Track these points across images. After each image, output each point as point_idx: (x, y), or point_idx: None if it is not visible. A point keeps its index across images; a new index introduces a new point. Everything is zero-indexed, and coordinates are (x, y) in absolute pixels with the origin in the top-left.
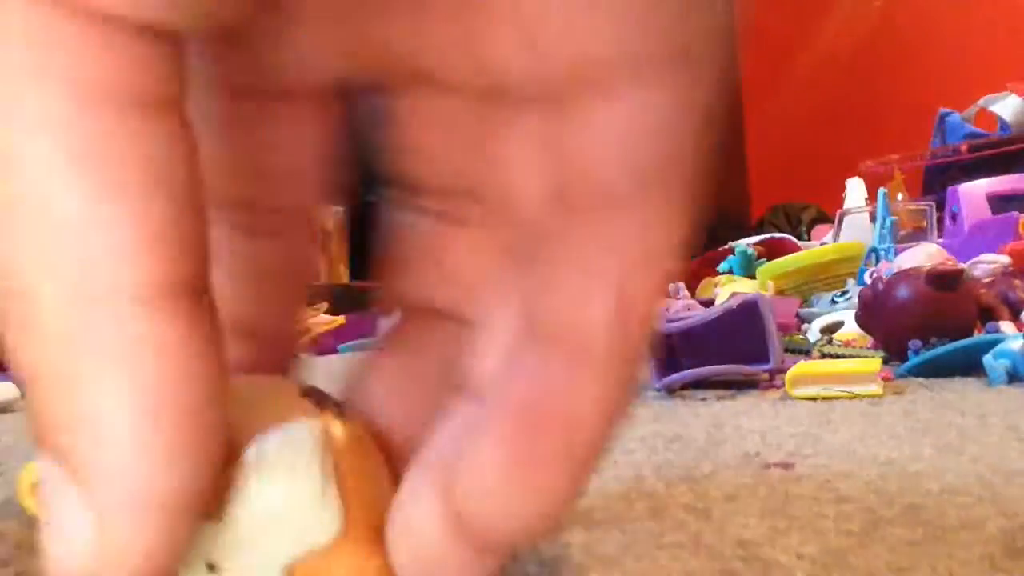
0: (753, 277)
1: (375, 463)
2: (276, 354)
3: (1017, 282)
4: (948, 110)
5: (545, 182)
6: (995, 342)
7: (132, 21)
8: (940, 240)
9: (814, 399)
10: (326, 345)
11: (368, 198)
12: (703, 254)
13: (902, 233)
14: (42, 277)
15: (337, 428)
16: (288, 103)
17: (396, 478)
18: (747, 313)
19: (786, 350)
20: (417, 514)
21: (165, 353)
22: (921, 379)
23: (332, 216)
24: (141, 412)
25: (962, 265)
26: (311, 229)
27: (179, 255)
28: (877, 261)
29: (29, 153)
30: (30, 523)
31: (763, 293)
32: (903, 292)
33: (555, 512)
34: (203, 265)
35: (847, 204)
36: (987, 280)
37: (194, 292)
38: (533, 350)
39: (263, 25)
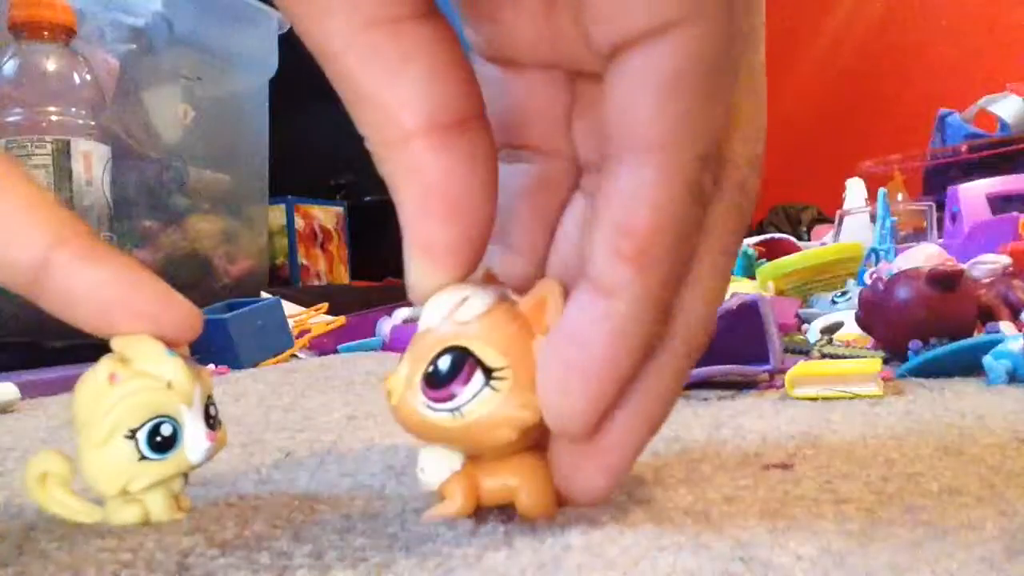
0: (753, 277)
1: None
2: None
3: (1017, 282)
4: (948, 110)
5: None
6: (995, 342)
7: None
8: (940, 240)
9: (814, 399)
10: (326, 345)
11: (368, 198)
12: None
13: (902, 233)
14: (364, 130)
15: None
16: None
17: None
18: (747, 313)
19: (786, 350)
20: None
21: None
22: (921, 379)
23: (332, 216)
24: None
25: (962, 265)
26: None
27: (437, 108)
28: (877, 261)
29: (344, 59)
30: (30, 523)
31: (763, 293)
32: (903, 292)
33: None
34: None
35: (847, 204)
36: (987, 280)
37: (464, 125)
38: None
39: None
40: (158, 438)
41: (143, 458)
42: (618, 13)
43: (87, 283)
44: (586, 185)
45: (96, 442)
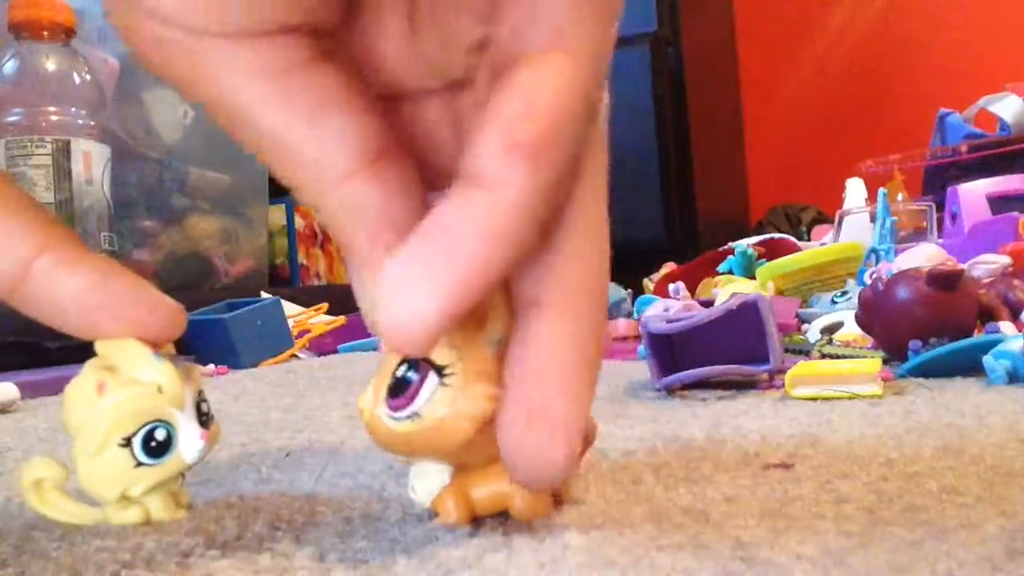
0: (753, 277)
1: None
2: None
3: (1017, 282)
4: (948, 110)
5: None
6: (995, 342)
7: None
8: (940, 240)
9: (814, 399)
10: (326, 345)
11: None
12: (703, 254)
13: (902, 233)
14: (288, 174)
15: None
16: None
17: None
18: (747, 313)
19: (786, 350)
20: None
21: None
22: (921, 379)
23: None
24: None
25: (962, 265)
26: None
27: (361, 146)
28: (877, 261)
29: (260, 112)
30: (30, 523)
31: (763, 293)
32: (903, 292)
33: None
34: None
35: (847, 204)
36: (987, 280)
37: (388, 154)
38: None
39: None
40: (152, 443)
41: (139, 464)
42: None
43: (69, 289)
44: None
45: (91, 452)
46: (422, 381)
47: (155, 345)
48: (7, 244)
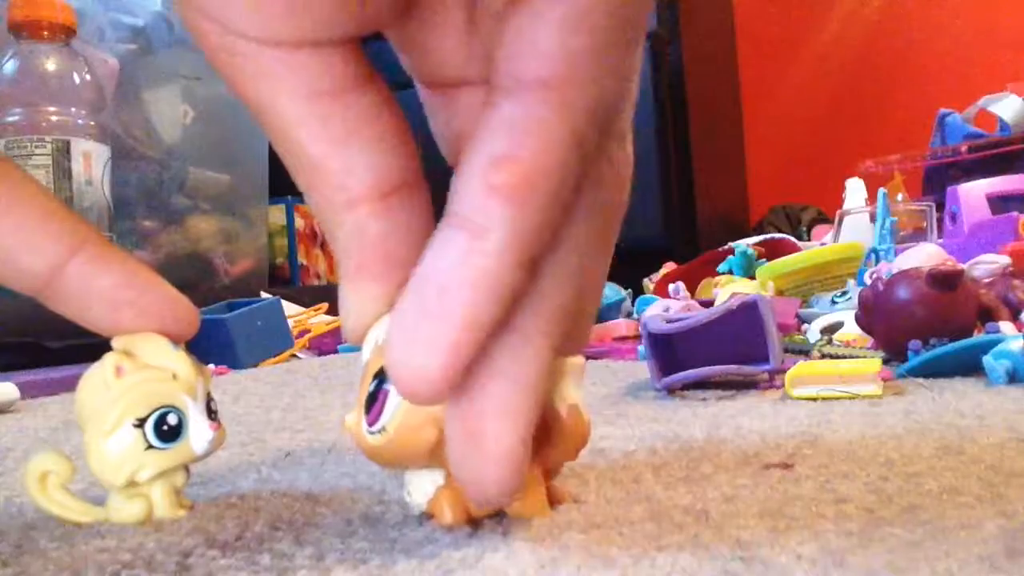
0: (753, 277)
1: None
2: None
3: (1017, 282)
4: (948, 110)
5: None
6: (995, 342)
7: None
8: (940, 240)
9: (814, 399)
10: (326, 345)
11: None
12: (703, 254)
13: (902, 233)
14: (307, 188)
15: None
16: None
17: None
18: (747, 313)
19: (786, 350)
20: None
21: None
22: (921, 379)
23: None
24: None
25: (962, 265)
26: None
27: (381, 177)
28: (877, 261)
29: (289, 127)
30: (30, 523)
31: (763, 293)
32: (903, 292)
33: None
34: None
35: (847, 204)
36: (987, 280)
37: (403, 191)
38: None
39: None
40: (164, 427)
41: (150, 447)
42: None
43: (100, 285)
44: None
45: (104, 431)
46: (385, 396)
47: (173, 341)
48: (40, 246)
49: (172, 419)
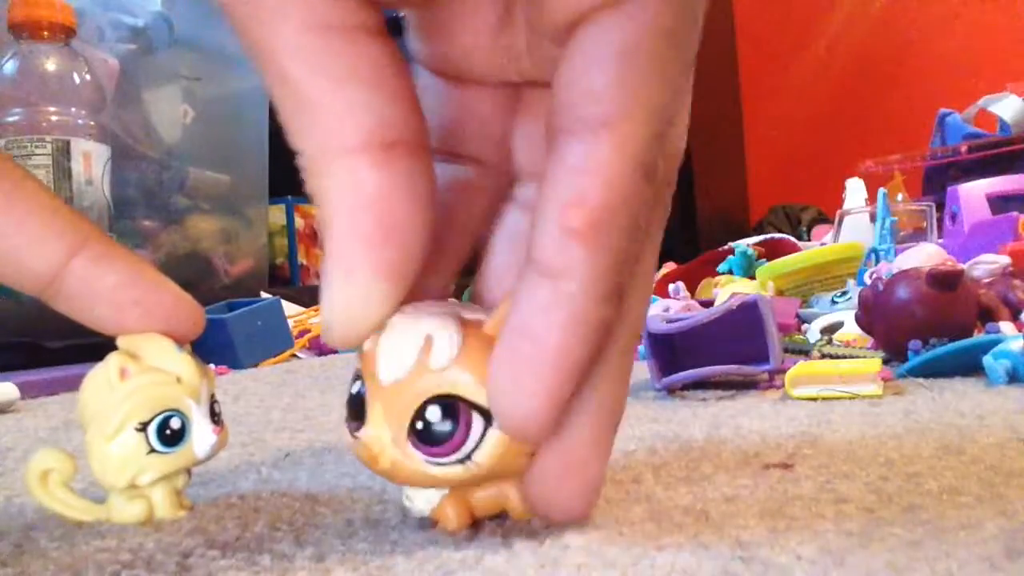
0: (753, 277)
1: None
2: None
3: (1017, 282)
4: (948, 110)
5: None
6: (995, 342)
7: None
8: (940, 240)
9: (814, 399)
10: (326, 345)
11: None
12: (703, 254)
13: (902, 233)
14: (298, 134)
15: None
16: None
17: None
18: (747, 313)
19: (786, 350)
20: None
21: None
22: (921, 379)
23: None
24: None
25: (962, 265)
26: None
27: (382, 124)
28: (877, 261)
29: (290, 62)
30: (30, 523)
31: (763, 293)
32: (903, 292)
33: None
34: (412, 126)
35: (847, 204)
36: (987, 280)
37: (407, 147)
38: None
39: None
40: (167, 431)
41: (152, 451)
42: None
43: (104, 284)
44: (520, 196)
45: (107, 434)
46: (467, 425)
47: (177, 341)
48: (44, 246)
49: (175, 423)
